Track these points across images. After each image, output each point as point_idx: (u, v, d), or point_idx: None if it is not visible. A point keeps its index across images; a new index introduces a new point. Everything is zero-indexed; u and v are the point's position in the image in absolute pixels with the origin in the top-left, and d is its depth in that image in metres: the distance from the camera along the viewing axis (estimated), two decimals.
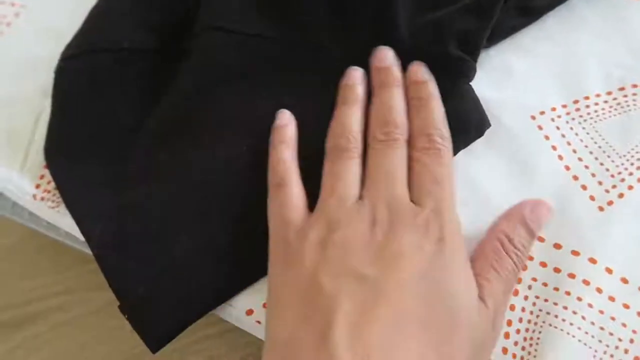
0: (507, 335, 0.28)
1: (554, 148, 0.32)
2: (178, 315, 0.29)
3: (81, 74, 0.35)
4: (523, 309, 0.28)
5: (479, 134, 0.31)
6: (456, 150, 0.31)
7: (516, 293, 0.29)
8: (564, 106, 0.33)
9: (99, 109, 0.34)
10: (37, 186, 0.34)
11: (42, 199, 0.34)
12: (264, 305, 0.29)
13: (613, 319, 0.28)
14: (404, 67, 0.32)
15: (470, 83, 0.32)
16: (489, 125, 0.31)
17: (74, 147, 0.34)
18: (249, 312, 0.29)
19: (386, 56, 0.32)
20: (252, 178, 0.31)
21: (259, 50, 0.34)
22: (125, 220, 0.31)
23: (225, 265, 0.30)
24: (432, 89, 0.31)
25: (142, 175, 0.32)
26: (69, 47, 0.36)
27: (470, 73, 0.32)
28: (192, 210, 0.31)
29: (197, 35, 0.35)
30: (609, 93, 0.33)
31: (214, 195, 0.31)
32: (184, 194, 0.31)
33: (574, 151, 0.32)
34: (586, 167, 0.31)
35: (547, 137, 0.32)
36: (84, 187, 0.33)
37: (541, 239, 0.30)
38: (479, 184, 0.31)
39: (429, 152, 0.29)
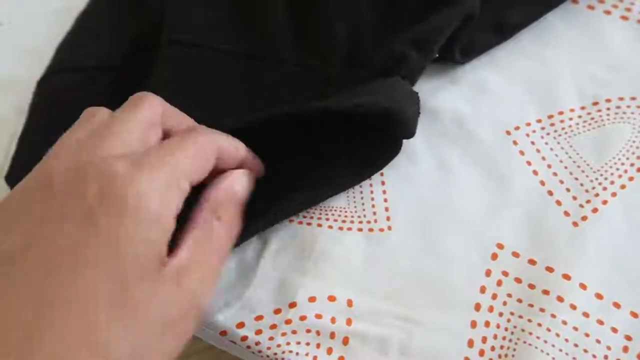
0: (481, 353, 0.28)
1: (528, 163, 0.32)
2: None
3: (46, 95, 0.35)
4: (498, 326, 0.28)
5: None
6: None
7: (491, 309, 0.29)
8: (539, 121, 0.33)
9: (61, 128, 0.34)
10: None
11: None
12: (237, 326, 0.29)
13: (587, 335, 0.28)
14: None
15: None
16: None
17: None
18: (223, 333, 0.29)
19: None
20: None
21: (223, 65, 0.34)
22: None
23: None
24: None
25: None
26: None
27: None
28: None
29: (162, 48, 0.34)
30: (583, 108, 0.33)
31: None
32: None
33: (549, 166, 0.32)
34: (561, 182, 0.31)
35: (522, 153, 0.32)
36: None
37: (516, 255, 0.30)
38: (453, 199, 0.31)
39: None
